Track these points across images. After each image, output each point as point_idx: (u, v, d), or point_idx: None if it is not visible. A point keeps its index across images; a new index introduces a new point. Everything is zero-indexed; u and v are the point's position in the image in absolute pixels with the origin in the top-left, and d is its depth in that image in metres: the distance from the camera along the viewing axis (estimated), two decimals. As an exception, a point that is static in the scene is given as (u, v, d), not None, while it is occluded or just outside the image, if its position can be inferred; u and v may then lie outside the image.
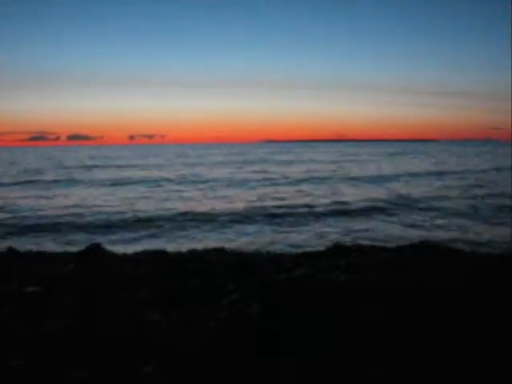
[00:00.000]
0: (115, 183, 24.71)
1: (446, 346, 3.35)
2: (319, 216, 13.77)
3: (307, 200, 16.91)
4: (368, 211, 14.39)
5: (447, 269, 5.24)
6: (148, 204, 16.67)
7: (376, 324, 3.69)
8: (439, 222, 12.49)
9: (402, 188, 20.35)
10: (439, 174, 28.12)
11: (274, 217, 13.63)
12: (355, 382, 2.96)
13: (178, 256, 7.07)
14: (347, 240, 10.19)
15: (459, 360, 3.16)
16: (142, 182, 25.67)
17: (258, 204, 16.18)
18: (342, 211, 14.53)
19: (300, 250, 8.66)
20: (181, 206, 15.79)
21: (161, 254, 7.25)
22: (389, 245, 8.72)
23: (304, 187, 21.34)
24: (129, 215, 14.04)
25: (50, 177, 28.99)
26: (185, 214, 14.18)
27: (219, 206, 16.03)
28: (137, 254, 7.41)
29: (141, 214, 14.14)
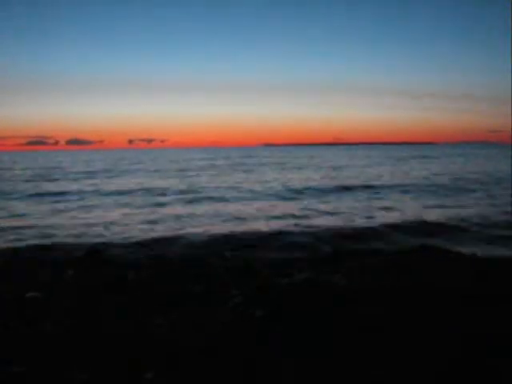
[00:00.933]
0: (111, 194, 22.89)
1: (446, 345, 3.35)
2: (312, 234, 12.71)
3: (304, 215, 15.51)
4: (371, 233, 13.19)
5: (447, 270, 5.25)
6: (143, 224, 14.89)
7: (376, 324, 3.70)
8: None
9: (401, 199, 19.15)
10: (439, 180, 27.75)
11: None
12: (355, 382, 2.96)
13: (179, 259, 7.08)
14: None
15: (459, 360, 3.16)
16: (140, 192, 23.76)
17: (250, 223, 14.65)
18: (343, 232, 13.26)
19: (301, 256, 8.62)
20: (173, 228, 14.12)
21: (161, 258, 7.26)
22: (388, 249, 8.69)
23: (302, 200, 19.88)
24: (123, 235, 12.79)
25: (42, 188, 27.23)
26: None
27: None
28: (138, 259, 7.42)
29: (138, 234, 12.77)
